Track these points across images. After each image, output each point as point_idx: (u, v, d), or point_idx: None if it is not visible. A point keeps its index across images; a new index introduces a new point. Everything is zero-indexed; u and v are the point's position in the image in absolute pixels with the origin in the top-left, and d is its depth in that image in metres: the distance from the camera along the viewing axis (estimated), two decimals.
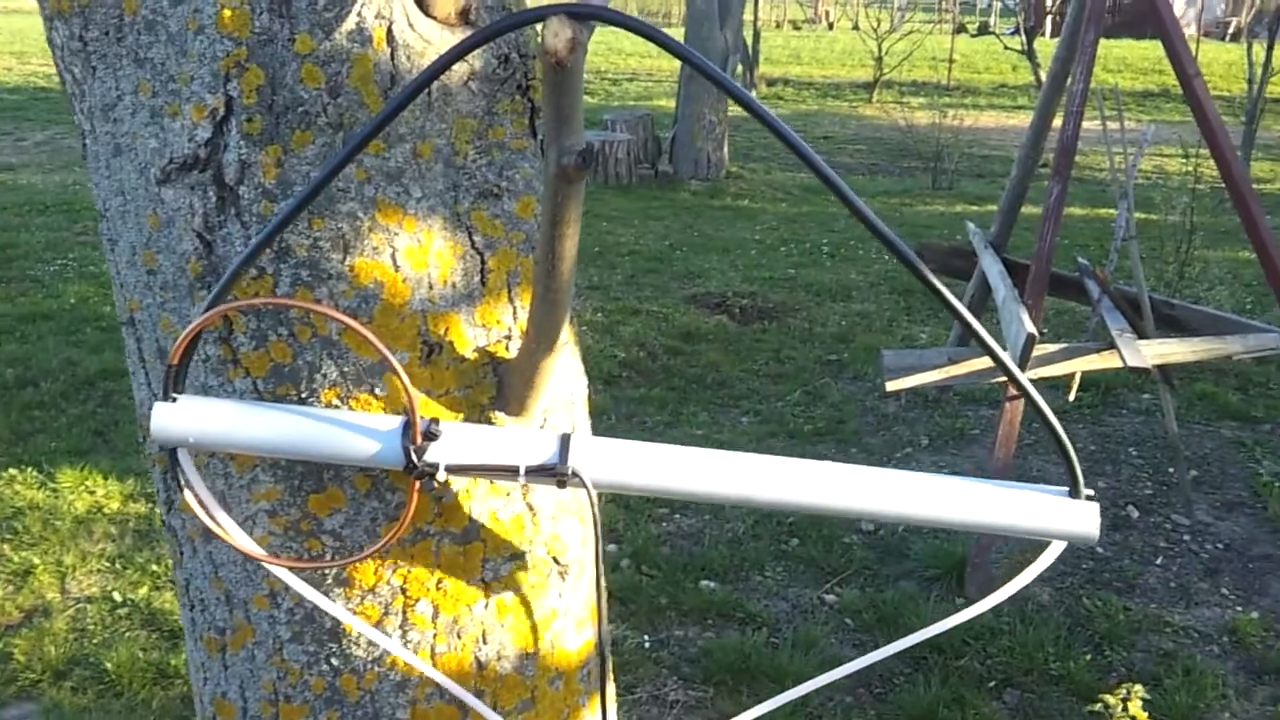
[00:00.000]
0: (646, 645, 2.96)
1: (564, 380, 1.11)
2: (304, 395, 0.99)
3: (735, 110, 13.47)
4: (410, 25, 0.96)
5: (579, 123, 0.82)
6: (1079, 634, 3.00)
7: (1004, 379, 3.28)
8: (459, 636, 1.06)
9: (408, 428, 0.91)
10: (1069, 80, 3.44)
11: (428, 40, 0.97)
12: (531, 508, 1.09)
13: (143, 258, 1.02)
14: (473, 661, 1.07)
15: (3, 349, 4.97)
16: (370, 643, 1.04)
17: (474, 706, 1.05)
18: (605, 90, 16.83)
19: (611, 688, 1.31)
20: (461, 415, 1.02)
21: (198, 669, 1.16)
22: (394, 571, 1.03)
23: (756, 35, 17.83)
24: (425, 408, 1.00)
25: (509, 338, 1.04)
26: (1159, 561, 3.39)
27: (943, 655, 2.91)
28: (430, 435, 0.90)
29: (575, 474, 0.91)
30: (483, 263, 1.03)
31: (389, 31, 0.94)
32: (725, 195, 9.21)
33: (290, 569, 0.98)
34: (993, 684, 2.80)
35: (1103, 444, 4.24)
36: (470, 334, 1.02)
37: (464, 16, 0.99)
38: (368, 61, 0.94)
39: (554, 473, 0.90)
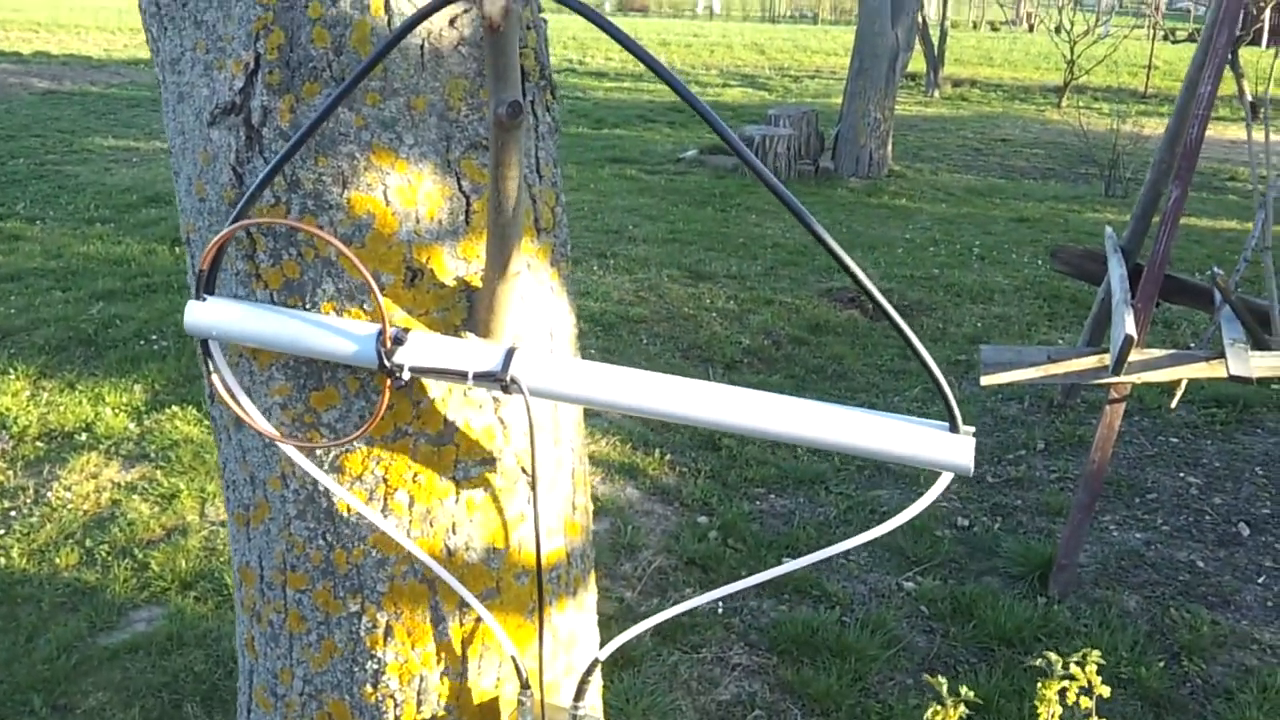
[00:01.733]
0: (720, 611, 3.08)
1: (537, 312, 1.26)
2: (308, 306, 1.17)
3: (902, 110, 13.30)
4: None
5: (514, 79, 0.97)
6: (1158, 642, 2.95)
7: (1106, 381, 3.24)
8: (431, 525, 1.23)
9: (381, 334, 1.08)
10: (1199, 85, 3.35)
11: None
12: (503, 421, 1.25)
13: (195, 187, 1.23)
14: (443, 548, 1.24)
15: (180, 299, 5.48)
16: (357, 523, 1.23)
17: (447, 580, 1.22)
18: (784, 87, 16.84)
19: (592, 597, 1.46)
20: (438, 334, 1.18)
21: (232, 541, 1.38)
22: (377, 464, 1.21)
23: (943, 35, 17.51)
24: (407, 325, 1.17)
25: None
26: (1261, 580, 3.28)
27: (1012, 649, 2.92)
28: (398, 340, 1.08)
29: (514, 381, 1.06)
30: (468, 204, 1.20)
31: (386, 1, 1.11)
32: (884, 194, 9.14)
33: (295, 447, 1.17)
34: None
35: (1229, 461, 4.09)
36: (451, 264, 1.19)
37: None
38: (366, 25, 1.11)
39: (496, 378, 1.06)
